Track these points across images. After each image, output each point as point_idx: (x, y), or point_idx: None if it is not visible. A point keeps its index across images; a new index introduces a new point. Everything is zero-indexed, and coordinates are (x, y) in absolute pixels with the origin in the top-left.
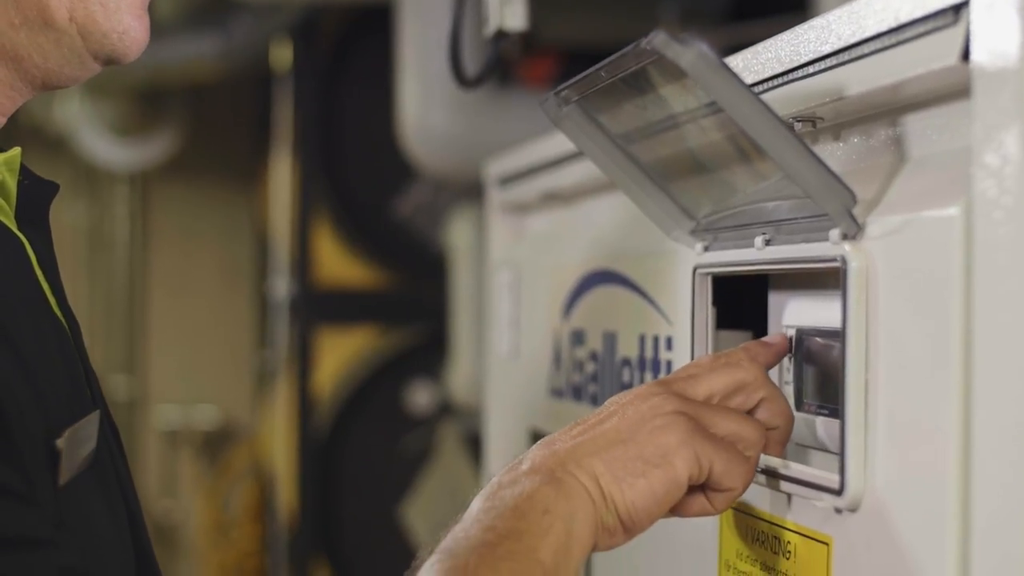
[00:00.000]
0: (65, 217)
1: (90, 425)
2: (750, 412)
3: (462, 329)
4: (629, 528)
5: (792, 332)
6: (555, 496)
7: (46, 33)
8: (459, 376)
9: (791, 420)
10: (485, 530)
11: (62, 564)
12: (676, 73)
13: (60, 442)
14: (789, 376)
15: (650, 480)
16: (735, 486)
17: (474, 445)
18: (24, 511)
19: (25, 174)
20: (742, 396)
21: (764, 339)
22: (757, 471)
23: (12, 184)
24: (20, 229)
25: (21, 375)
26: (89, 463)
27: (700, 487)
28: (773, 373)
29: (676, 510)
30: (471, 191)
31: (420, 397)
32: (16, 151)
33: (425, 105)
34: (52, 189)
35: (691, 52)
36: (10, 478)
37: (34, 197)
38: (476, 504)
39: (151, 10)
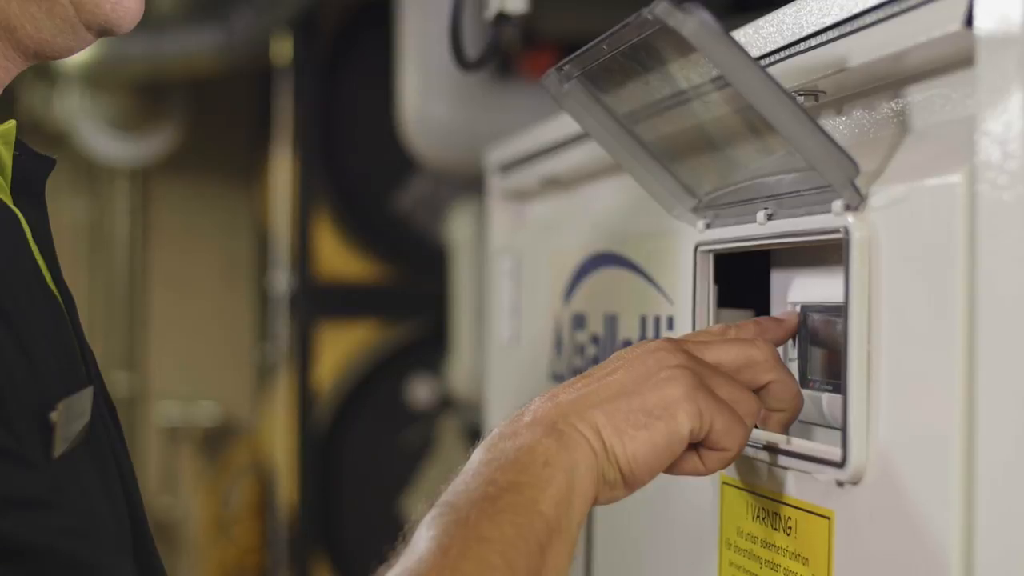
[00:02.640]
0: (65, 213)
1: (84, 400)
2: (756, 391)
3: (462, 323)
4: (629, 481)
5: (796, 309)
6: (556, 448)
7: (38, 3)
8: (459, 370)
9: (800, 404)
10: (486, 483)
11: (61, 525)
12: (679, 44)
13: (54, 415)
14: (793, 353)
15: (652, 432)
16: (731, 447)
17: (475, 439)
18: (21, 473)
19: (20, 148)
20: (750, 373)
21: (777, 315)
22: (756, 447)
23: (7, 157)
24: (15, 203)
25: (15, 348)
26: (83, 439)
27: (694, 446)
28: (779, 350)
29: (669, 468)
30: (471, 184)
31: (421, 391)
32: (11, 124)
33: (426, 97)
34: (48, 164)
35: (693, 20)
36: (7, 442)
37: (30, 172)
38: (477, 456)
39: (151, 1)
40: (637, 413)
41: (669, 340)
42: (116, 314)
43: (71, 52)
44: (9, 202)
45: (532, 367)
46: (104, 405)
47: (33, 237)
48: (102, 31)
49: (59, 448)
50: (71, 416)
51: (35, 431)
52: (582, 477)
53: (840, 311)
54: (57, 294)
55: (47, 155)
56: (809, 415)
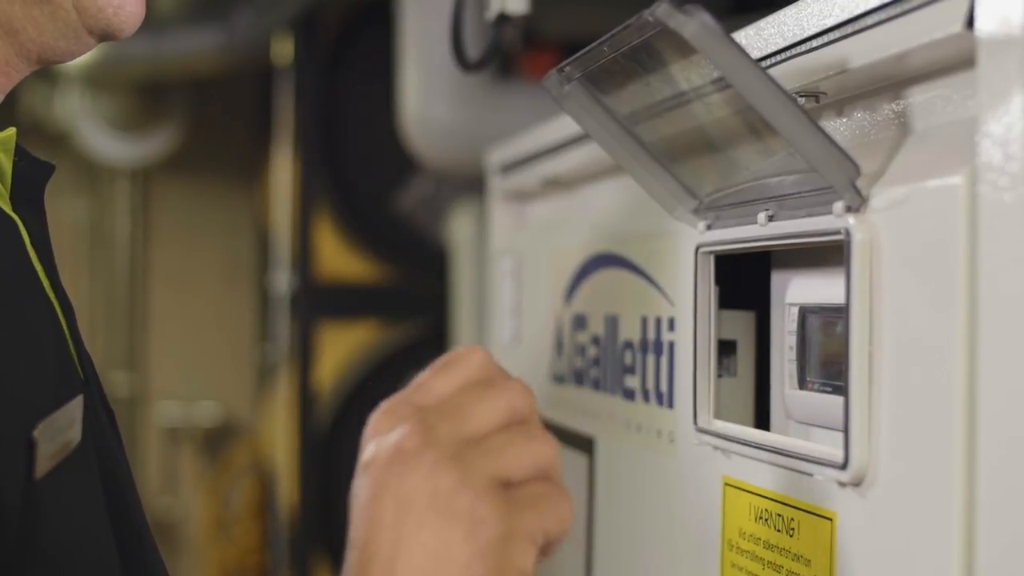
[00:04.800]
0: (66, 213)
1: (73, 410)
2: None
3: (463, 323)
4: None
5: (795, 310)
6: None
7: (41, 6)
8: None
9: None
10: None
11: (46, 543)
12: (679, 46)
13: (36, 433)
14: (792, 355)
15: None
16: (564, 527)
17: None
18: (5, 492)
19: (20, 154)
20: (525, 424)
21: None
22: (760, 447)
23: (7, 164)
24: (14, 210)
25: (4, 360)
26: (74, 448)
27: None
28: (777, 351)
29: None
30: (472, 185)
31: None
32: (11, 131)
33: (426, 97)
34: (47, 170)
35: (694, 22)
36: None
37: (29, 178)
38: None
39: (152, 2)
40: None
41: (422, 447)
42: (116, 314)
43: (73, 56)
44: (8, 209)
45: (533, 368)
46: (102, 410)
47: (32, 244)
48: (104, 35)
49: (43, 465)
50: (57, 431)
51: (19, 449)
52: None
53: (841, 312)
54: (55, 301)
55: (46, 161)
56: (808, 417)
